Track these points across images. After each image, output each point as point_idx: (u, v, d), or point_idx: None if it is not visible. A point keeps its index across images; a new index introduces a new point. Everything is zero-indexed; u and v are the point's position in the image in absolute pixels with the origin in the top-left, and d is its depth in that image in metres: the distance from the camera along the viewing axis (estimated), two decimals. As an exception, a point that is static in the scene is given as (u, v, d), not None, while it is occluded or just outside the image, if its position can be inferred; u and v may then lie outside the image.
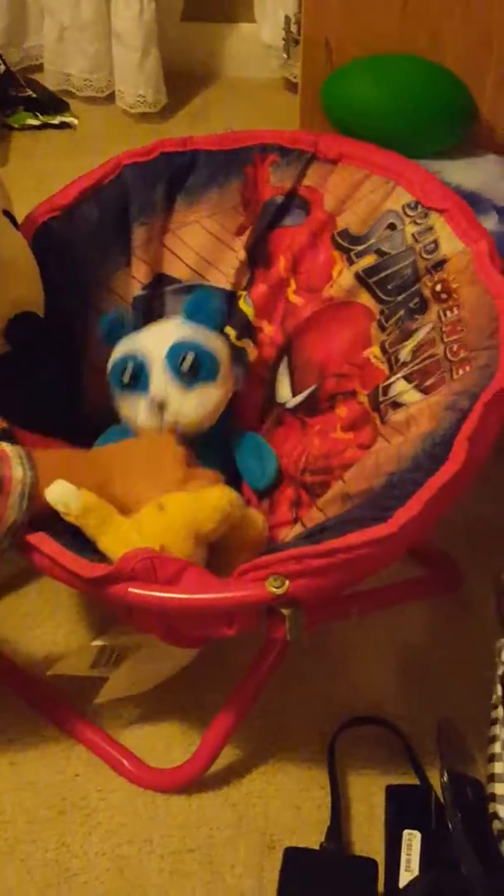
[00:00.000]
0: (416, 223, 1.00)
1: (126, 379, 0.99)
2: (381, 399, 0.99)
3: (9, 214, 0.98)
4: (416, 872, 0.85)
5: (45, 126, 1.80)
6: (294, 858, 0.89)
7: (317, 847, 0.91)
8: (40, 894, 0.91)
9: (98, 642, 0.93)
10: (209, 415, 0.99)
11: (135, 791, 0.97)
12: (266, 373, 1.09)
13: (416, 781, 0.95)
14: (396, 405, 0.97)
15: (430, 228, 0.99)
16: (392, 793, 0.93)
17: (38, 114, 1.81)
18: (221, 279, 1.09)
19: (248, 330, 1.09)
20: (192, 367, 0.97)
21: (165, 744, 1.00)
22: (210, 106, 1.83)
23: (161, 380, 0.98)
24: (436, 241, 0.99)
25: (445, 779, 0.90)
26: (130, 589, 0.78)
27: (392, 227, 1.02)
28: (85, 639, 1.07)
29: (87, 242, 1.06)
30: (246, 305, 1.09)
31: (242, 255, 1.08)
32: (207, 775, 0.96)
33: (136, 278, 1.08)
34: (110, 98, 1.83)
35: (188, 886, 0.91)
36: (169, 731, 1.01)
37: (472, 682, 0.97)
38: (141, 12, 1.68)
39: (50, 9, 1.76)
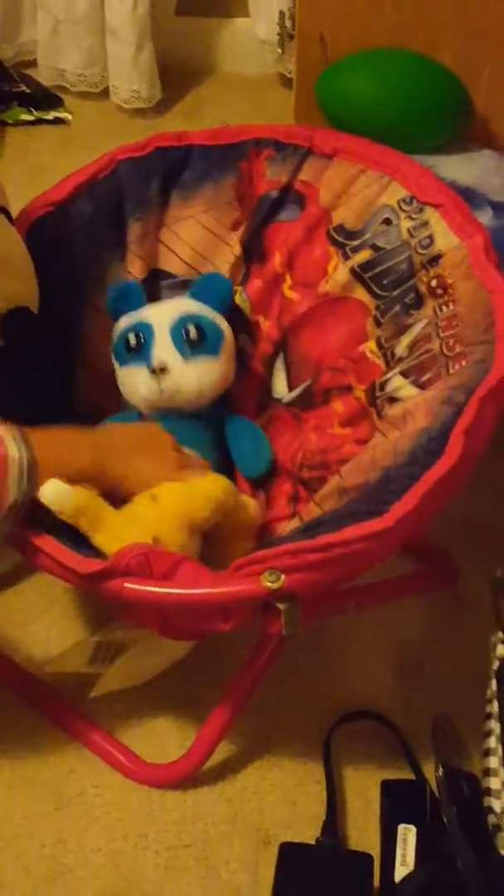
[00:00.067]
0: (411, 218, 1.00)
1: (132, 342, 0.99)
2: (377, 394, 0.99)
3: (3, 210, 0.97)
4: (411, 867, 0.85)
5: (39, 121, 1.80)
6: (290, 853, 0.89)
7: (312, 842, 0.91)
8: (36, 890, 0.91)
9: (95, 638, 0.93)
10: (208, 388, 1.00)
11: (130, 786, 0.97)
12: (262, 368, 1.09)
13: (412, 776, 0.95)
14: (393, 400, 0.97)
15: (426, 223, 0.99)
16: (388, 787, 0.93)
17: (31, 109, 1.80)
18: (216, 274, 1.09)
19: (244, 325, 1.08)
20: (196, 337, 0.98)
21: (161, 739, 1.00)
22: (204, 101, 1.83)
23: (164, 347, 0.99)
24: (431, 237, 0.99)
25: (441, 773, 0.90)
26: (126, 584, 0.78)
27: (387, 222, 1.02)
28: (81, 634, 1.07)
29: (81, 238, 1.06)
30: (241, 301, 1.09)
31: (237, 249, 1.08)
32: (203, 770, 0.96)
33: (132, 273, 1.07)
34: (104, 93, 1.82)
35: (183, 882, 0.91)
36: (164, 726, 1.01)
37: (467, 677, 0.97)
38: (135, 7, 1.67)
39: (43, 4, 1.75)
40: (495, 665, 0.90)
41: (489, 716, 0.89)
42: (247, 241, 1.09)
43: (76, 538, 0.83)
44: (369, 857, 0.88)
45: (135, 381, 1.00)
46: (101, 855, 0.93)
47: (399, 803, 0.91)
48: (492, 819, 0.85)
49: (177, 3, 1.83)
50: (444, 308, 0.96)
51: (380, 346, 1.02)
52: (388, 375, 0.99)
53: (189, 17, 1.85)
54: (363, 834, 0.92)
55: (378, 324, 1.02)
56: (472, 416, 0.82)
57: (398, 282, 1.01)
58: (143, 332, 1.00)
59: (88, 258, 1.06)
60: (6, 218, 0.97)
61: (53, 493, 0.81)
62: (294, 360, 1.08)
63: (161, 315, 1.01)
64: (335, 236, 1.06)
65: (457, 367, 0.91)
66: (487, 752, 0.88)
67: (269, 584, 0.76)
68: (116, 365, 1.02)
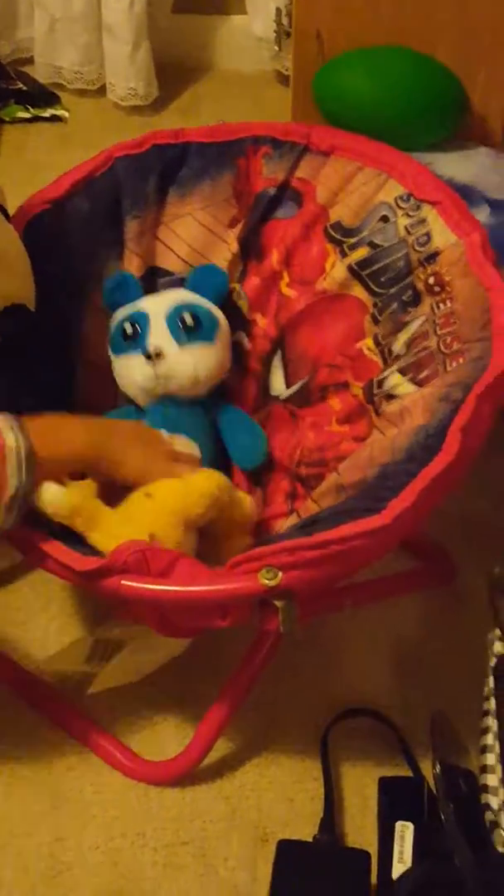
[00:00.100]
0: (408, 215, 1.00)
1: (128, 331, 1.00)
2: (375, 392, 0.99)
3: (0, 208, 0.97)
4: (409, 864, 0.85)
5: (35, 119, 1.79)
6: (287, 850, 0.89)
7: (310, 839, 0.91)
8: (34, 888, 0.91)
9: (93, 636, 0.93)
10: (203, 374, 1.00)
11: (128, 784, 0.97)
12: (260, 365, 1.09)
13: (409, 773, 0.95)
14: (391, 397, 0.97)
15: (423, 221, 0.99)
16: (385, 784, 0.93)
17: (28, 107, 1.80)
18: (214, 271, 1.09)
19: (241, 323, 1.08)
20: (191, 323, 0.99)
21: (159, 737, 1.00)
22: (201, 98, 1.83)
23: (159, 334, 0.99)
24: (428, 234, 0.99)
25: (438, 770, 0.90)
26: (123, 582, 0.78)
27: (385, 219, 1.02)
28: (79, 632, 1.07)
29: (78, 235, 1.06)
30: (239, 298, 1.09)
31: (235, 247, 1.08)
32: (201, 768, 0.96)
33: (129, 271, 1.07)
34: (101, 91, 1.82)
35: (181, 879, 0.91)
36: (162, 723, 1.01)
37: (465, 674, 0.97)
38: (132, 4, 1.67)
39: (40, 1, 1.75)
40: (492, 662, 0.90)
41: (486, 713, 0.89)
42: (244, 239, 1.09)
43: (73, 536, 0.83)
44: (367, 854, 0.88)
45: (130, 370, 1.00)
46: (100, 853, 0.93)
47: (396, 800, 0.91)
48: (489, 816, 0.85)
49: (173, 0, 1.83)
50: (441, 305, 0.96)
51: (377, 343, 1.02)
52: (386, 373, 0.99)
53: (186, 14, 1.85)
54: (361, 831, 0.93)
55: (375, 321, 1.02)
56: (470, 413, 0.82)
57: (396, 279, 1.01)
58: (139, 321, 1.00)
59: (86, 256, 1.06)
60: (3, 215, 0.97)
61: (48, 497, 0.81)
62: (292, 357, 1.08)
63: (157, 304, 1.02)
64: (333, 234, 1.06)
65: (454, 364, 0.91)
66: (485, 749, 0.88)
67: (267, 582, 0.76)
68: (113, 356, 1.03)
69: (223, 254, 1.08)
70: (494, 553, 0.99)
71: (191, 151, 1.08)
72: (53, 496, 0.81)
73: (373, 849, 0.88)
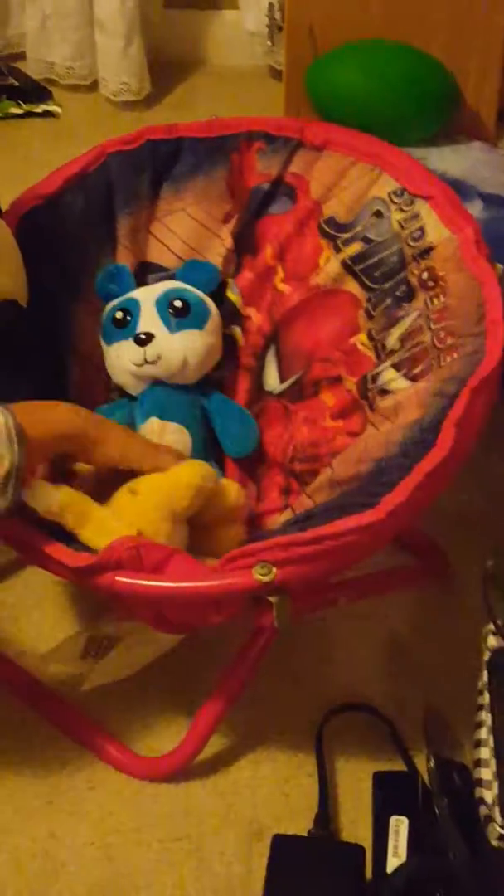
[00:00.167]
0: (402, 210, 1.00)
1: (119, 317, 1.01)
2: (369, 387, 0.99)
3: (-8, 203, 0.97)
4: (403, 858, 0.85)
5: (28, 115, 1.79)
6: (282, 845, 0.89)
7: (305, 834, 0.91)
8: (29, 885, 0.90)
9: (87, 632, 0.93)
10: (193, 359, 1.00)
11: (122, 780, 0.97)
12: (253, 361, 1.09)
13: (404, 768, 0.95)
14: (384, 392, 0.97)
15: (417, 216, 0.99)
16: (379, 779, 0.93)
17: (20, 102, 1.79)
18: (208, 267, 1.09)
19: (235, 318, 1.08)
20: (180, 306, 1.00)
21: (153, 732, 1.00)
22: (194, 94, 1.82)
23: (149, 320, 1.00)
24: (422, 229, 0.98)
25: (432, 764, 0.90)
26: (117, 578, 0.78)
27: (378, 214, 1.02)
28: (72, 628, 1.07)
29: (71, 231, 1.05)
30: (233, 294, 1.08)
31: (229, 242, 1.08)
32: (195, 764, 0.96)
33: (122, 266, 1.07)
34: (94, 86, 1.82)
35: (176, 875, 0.91)
36: (156, 719, 1.01)
37: (459, 668, 0.97)
38: (124, 0, 1.67)
39: (32, -4, 1.74)
40: (486, 656, 0.90)
41: (480, 707, 0.89)
42: (238, 234, 1.08)
43: (66, 532, 0.83)
44: (361, 849, 0.88)
45: (121, 357, 1.00)
46: (94, 849, 0.92)
47: (391, 795, 0.91)
48: (483, 810, 0.85)
49: (166, -5, 1.83)
50: (435, 300, 0.96)
51: (371, 338, 1.02)
52: (380, 368, 0.99)
53: (178, 9, 1.85)
54: (355, 825, 0.93)
55: (369, 316, 1.02)
56: (464, 408, 0.82)
57: (389, 274, 1.01)
58: (130, 308, 1.01)
59: (79, 252, 1.06)
60: (-5, 211, 0.97)
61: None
62: (285, 352, 1.08)
63: (148, 292, 1.03)
64: (326, 229, 1.06)
65: (448, 359, 0.91)
66: (479, 743, 0.88)
67: (261, 577, 0.75)
68: (105, 346, 1.03)
69: (217, 249, 1.08)
70: (488, 548, 0.99)
71: (184, 147, 1.08)
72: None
73: (367, 843, 0.88)
